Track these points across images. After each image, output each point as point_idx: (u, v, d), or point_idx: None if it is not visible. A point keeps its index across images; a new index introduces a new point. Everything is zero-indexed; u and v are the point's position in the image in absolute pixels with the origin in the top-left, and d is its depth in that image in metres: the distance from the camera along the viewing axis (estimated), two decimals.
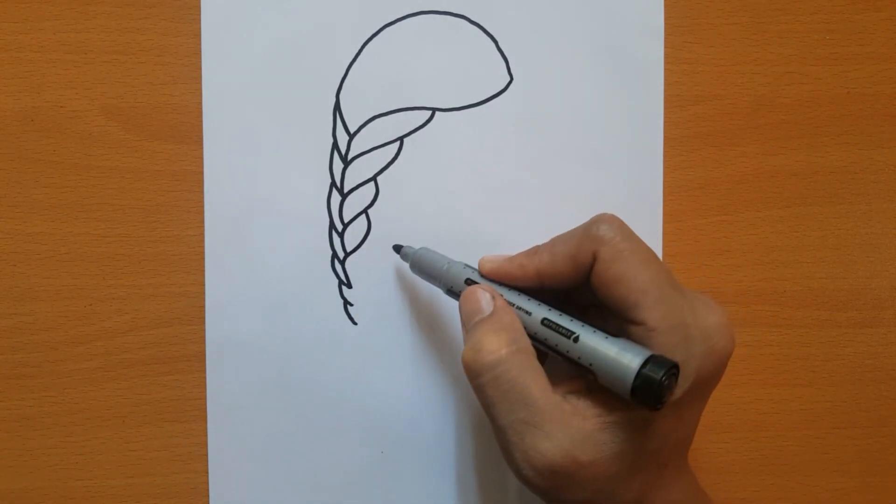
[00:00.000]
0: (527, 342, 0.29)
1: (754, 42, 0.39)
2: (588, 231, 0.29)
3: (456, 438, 0.39)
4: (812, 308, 0.40)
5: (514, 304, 0.31)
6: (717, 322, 0.28)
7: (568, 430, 0.27)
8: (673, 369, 0.26)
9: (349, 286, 0.38)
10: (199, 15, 0.37)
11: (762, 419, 0.40)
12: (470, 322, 0.30)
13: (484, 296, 0.31)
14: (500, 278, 0.32)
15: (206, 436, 0.38)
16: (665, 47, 0.38)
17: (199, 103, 0.37)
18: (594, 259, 0.29)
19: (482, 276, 0.32)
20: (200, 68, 0.37)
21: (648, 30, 0.38)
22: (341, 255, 0.38)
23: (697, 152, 0.39)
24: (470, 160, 0.38)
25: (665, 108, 0.39)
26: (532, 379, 0.28)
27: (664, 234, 0.39)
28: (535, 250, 0.31)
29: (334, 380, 0.38)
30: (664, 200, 0.39)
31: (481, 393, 0.29)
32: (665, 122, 0.39)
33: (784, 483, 0.40)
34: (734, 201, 0.39)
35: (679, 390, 0.27)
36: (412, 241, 0.38)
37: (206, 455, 0.38)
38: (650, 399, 0.26)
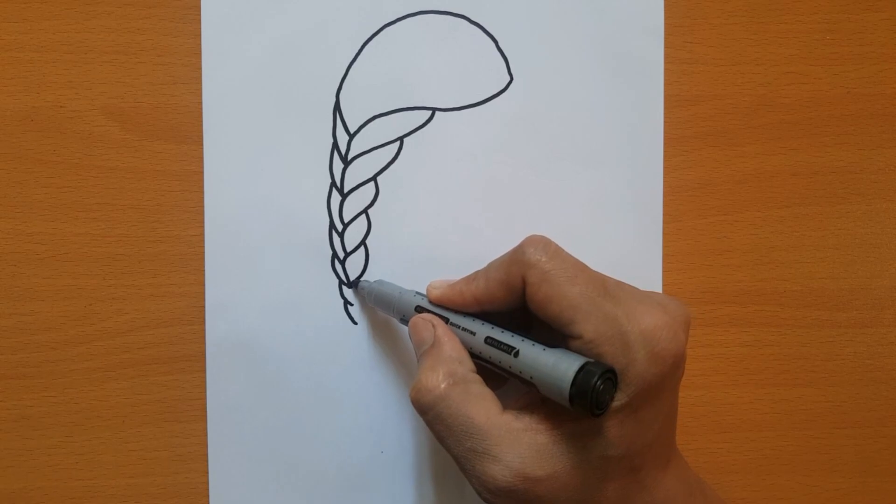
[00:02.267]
0: (465, 371, 0.30)
1: (754, 42, 0.39)
2: (514, 256, 0.30)
3: None
4: (812, 308, 0.40)
5: (459, 326, 0.32)
6: (656, 324, 0.28)
7: (517, 448, 0.28)
8: (608, 374, 0.26)
9: (349, 286, 0.38)
10: (199, 15, 0.37)
11: (762, 419, 0.40)
12: (417, 352, 0.32)
13: (426, 326, 0.32)
14: (445, 304, 0.33)
15: (206, 436, 0.38)
16: (665, 47, 0.38)
17: (199, 103, 0.37)
18: (524, 282, 0.30)
19: (430, 302, 0.33)
20: (200, 68, 0.37)
21: (648, 30, 0.38)
22: (341, 255, 0.38)
23: (697, 152, 0.39)
24: (470, 160, 0.38)
25: (665, 108, 0.39)
26: (474, 408, 0.29)
27: (664, 234, 0.39)
28: (474, 276, 0.32)
29: (334, 380, 0.38)
30: (664, 200, 0.39)
31: (430, 428, 0.30)
32: (665, 122, 0.39)
33: (784, 483, 0.40)
34: (734, 201, 0.39)
35: (624, 395, 0.27)
36: (411, 242, 0.38)
37: (206, 455, 0.38)
38: (588, 405, 0.26)
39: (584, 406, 0.26)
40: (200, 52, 0.37)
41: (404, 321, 0.34)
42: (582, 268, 0.30)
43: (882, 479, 0.40)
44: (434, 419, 0.30)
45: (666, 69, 0.38)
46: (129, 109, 0.37)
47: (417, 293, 0.35)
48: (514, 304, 0.31)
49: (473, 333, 0.31)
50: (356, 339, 0.38)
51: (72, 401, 0.38)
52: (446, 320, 0.32)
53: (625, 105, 0.38)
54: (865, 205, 0.40)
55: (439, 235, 0.38)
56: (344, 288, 0.38)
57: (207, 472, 0.38)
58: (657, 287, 0.39)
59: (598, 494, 0.28)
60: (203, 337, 0.38)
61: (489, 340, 0.30)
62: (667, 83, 0.39)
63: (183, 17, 0.37)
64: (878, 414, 0.40)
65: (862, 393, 0.40)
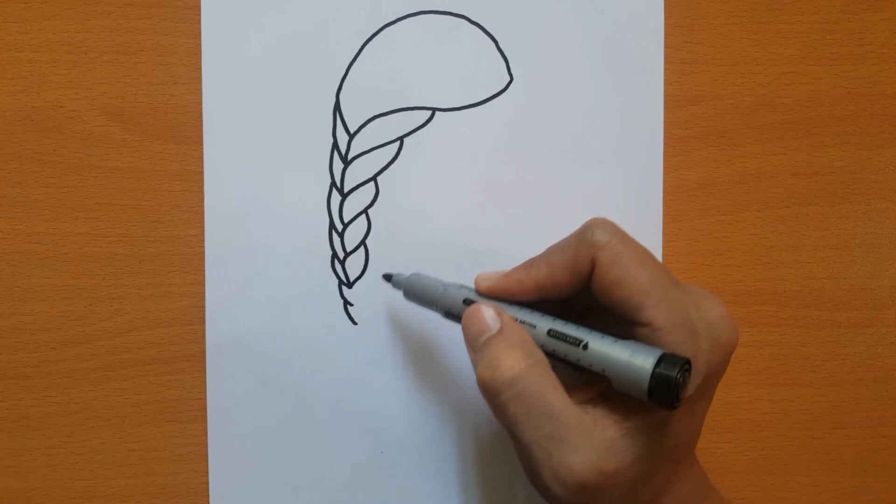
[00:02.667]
0: (541, 355, 0.29)
1: (754, 42, 0.39)
2: (583, 237, 0.29)
3: (456, 438, 0.39)
4: (812, 308, 0.40)
5: (517, 319, 0.30)
6: (721, 314, 0.28)
7: (592, 441, 0.27)
8: (686, 365, 0.26)
9: (349, 286, 0.38)
10: (199, 15, 0.37)
11: (762, 419, 0.40)
12: (478, 341, 0.30)
13: (488, 312, 0.30)
14: (498, 295, 0.31)
15: (206, 436, 0.38)
16: (665, 47, 0.38)
17: (199, 103, 0.37)
18: (593, 265, 0.29)
19: (479, 294, 0.32)
20: (200, 68, 0.37)
21: (648, 30, 0.38)
22: (341, 255, 0.38)
23: (697, 152, 0.39)
24: (470, 160, 0.38)
25: (665, 108, 0.39)
26: (553, 392, 0.27)
27: (664, 234, 0.39)
28: (532, 263, 0.31)
29: (334, 380, 0.38)
30: (664, 200, 0.39)
31: (503, 411, 0.28)
32: (665, 122, 0.39)
33: (784, 483, 0.40)
34: (734, 201, 0.39)
35: (692, 386, 0.27)
36: (411, 242, 0.38)
37: (206, 455, 0.38)
38: (668, 398, 0.25)
39: (664, 399, 0.25)
40: (200, 52, 0.37)
41: (449, 316, 0.33)
42: (649, 253, 0.29)
43: (882, 479, 0.40)
44: (512, 398, 0.27)
45: (666, 69, 0.38)
46: (129, 109, 0.37)
47: (462, 286, 0.33)
48: (575, 291, 0.30)
49: (534, 326, 0.29)
50: (356, 339, 0.38)
51: (72, 401, 0.38)
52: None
53: (625, 105, 0.38)
54: (865, 205, 0.40)
55: (439, 235, 0.38)
56: (344, 288, 0.38)
57: (207, 472, 0.38)
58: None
59: (642, 488, 0.28)
60: (203, 337, 0.38)
61: (553, 333, 0.29)
62: (667, 83, 0.39)
63: (183, 17, 0.37)
64: (878, 414, 0.40)
65: (862, 393, 0.40)
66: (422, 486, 0.39)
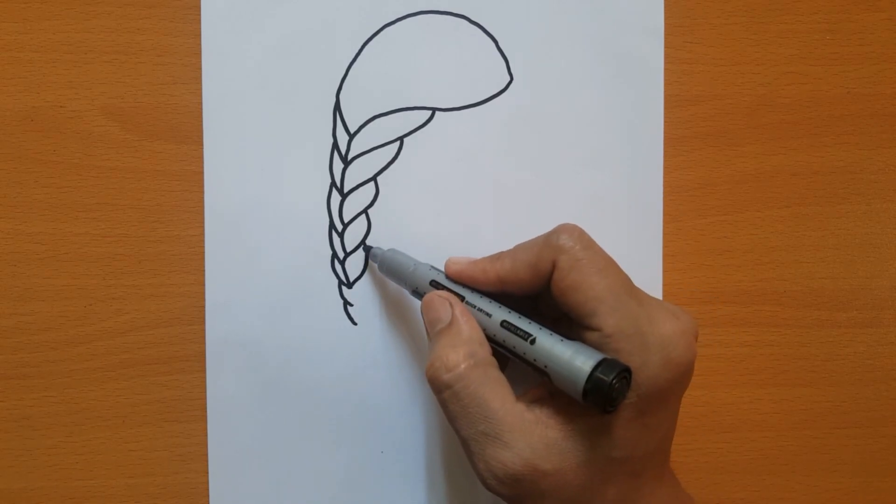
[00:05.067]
0: (485, 353, 0.30)
1: (754, 42, 0.39)
2: (548, 240, 0.30)
3: (455, 438, 0.38)
4: (812, 308, 0.40)
5: (475, 306, 0.31)
6: (674, 330, 0.28)
7: (529, 439, 0.28)
8: (624, 373, 0.26)
9: (349, 286, 0.38)
10: (199, 15, 0.37)
11: (762, 419, 0.40)
12: (432, 330, 0.32)
13: (443, 304, 0.31)
14: (463, 281, 0.33)
15: (206, 436, 0.38)
16: (665, 47, 0.38)
17: (199, 103, 0.37)
18: (553, 267, 0.30)
19: (447, 277, 0.33)
20: (200, 68, 0.37)
21: (648, 30, 0.38)
22: (341, 255, 0.38)
23: (697, 152, 0.39)
24: (470, 160, 0.38)
25: (665, 108, 0.39)
26: (491, 391, 0.29)
27: (664, 234, 0.39)
28: (499, 256, 0.32)
29: (334, 380, 0.38)
30: (664, 200, 0.39)
31: (444, 407, 0.30)
32: (665, 122, 0.39)
33: (784, 483, 0.40)
34: (734, 201, 0.39)
35: (633, 395, 0.27)
36: (411, 242, 0.38)
37: (206, 455, 0.38)
38: (601, 401, 0.26)
39: (598, 402, 0.26)
40: (200, 52, 0.37)
41: (416, 294, 0.34)
42: (612, 262, 0.30)
43: (882, 479, 0.40)
44: (450, 398, 0.29)
45: (666, 69, 0.38)
46: (129, 109, 0.37)
47: (433, 267, 0.34)
48: (536, 289, 0.31)
49: (490, 315, 0.31)
50: (356, 339, 0.38)
51: (72, 401, 0.38)
52: (462, 298, 0.32)
53: (625, 105, 0.38)
54: (865, 205, 0.40)
55: (439, 235, 0.38)
56: (344, 288, 0.38)
57: (207, 472, 0.38)
58: (657, 287, 0.39)
59: (597, 495, 0.28)
60: (203, 337, 0.38)
61: (505, 324, 0.30)
62: (667, 83, 0.39)
63: (183, 17, 0.37)
64: (878, 414, 0.40)
65: (862, 393, 0.40)
66: (422, 486, 0.39)
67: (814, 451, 0.40)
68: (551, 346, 0.28)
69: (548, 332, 0.29)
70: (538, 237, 0.31)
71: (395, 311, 0.38)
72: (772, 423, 0.40)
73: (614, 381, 0.26)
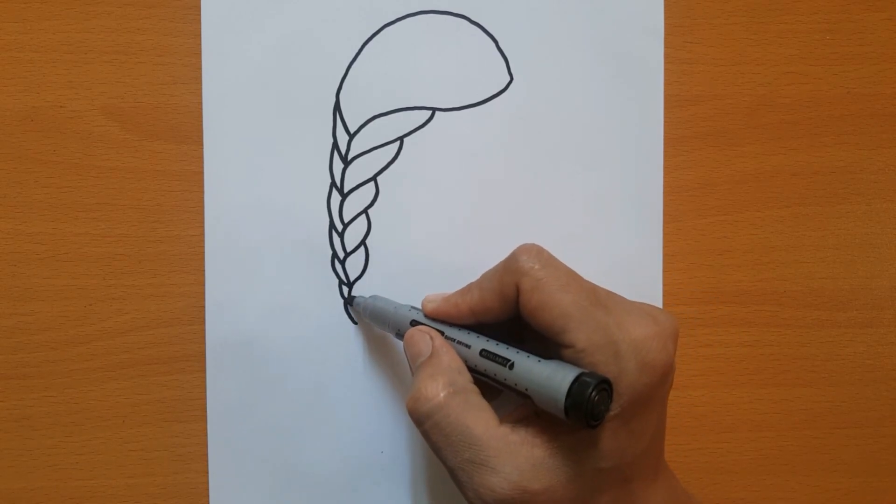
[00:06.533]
0: (465, 381, 0.30)
1: (754, 42, 0.39)
2: (508, 264, 0.30)
3: None
4: (812, 308, 0.40)
5: (454, 339, 0.32)
6: (646, 334, 0.28)
7: (515, 461, 0.28)
8: (602, 385, 0.26)
9: (349, 286, 0.38)
10: (199, 15, 0.37)
11: (762, 419, 0.40)
12: (414, 365, 0.32)
13: (423, 337, 0.32)
14: (440, 317, 0.33)
15: (206, 436, 0.38)
16: (665, 47, 0.38)
17: (199, 103, 0.37)
18: (517, 291, 0.30)
19: (426, 316, 0.33)
20: (200, 68, 0.37)
21: (648, 30, 0.38)
22: (341, 255, 0.38)
23: (697, 152, 0.39)
24: (470, 160, 0.38)
25: (665, 108, 0.39)
26: (473, 418, 0.29)
27: (664, 234, 0.39)
28: (468, 289, 0.32)
29: (334, 380, 0.38)
30: (664, 200, 0.39)
31: (427, 439, 0.30)
32: (665, 122, 0.39)
33: (784, 483, 0.40)
34: (734, 201, 0.39)
35: (616, 405, 0.27)
36: (411, 242, 0.38)
37: (206, 455, 0.38)
38: (583, 417, 0.26)
39: (580, 417, 0.26)
40: (200, 52, 0.37)
41: (399, 336, 0.34)
42: (574, 276, 0.30)
43: (882, 479, 0.40)
44: (432, 428, 0.29)
45: (666, 69, 0.38)
46: (129, 109, 0.37)
47: (412, 307, 0.35)
48: (509, 315, 0.31)
49: (469, 346, 0.31)
50: (356, 339, 0.38)
51: (72, 401, 0.38)
52: (441, 333, 0.32)
53: (625, 105, 0.38)
54: (865, 205, 0.40)
55: (439, 235, 0.38)
56: (344, 288, 0.38)
57: (207, 472, 0.38)
58: (657, 287, 0.39)
59: None
60: (203, 337, 0.38)
61: (484, 353, 0.30)
62: (667, 83, 0.39)
63: (183, 17, 0.37)
64: (878, 414, 0.40)
65: (862, 393, 0.40)
66: (421, 486, 0.39)
67: (814, 451, 0.40)
68: (529, 369, 0.28)
69: (525, 354, 0.29)
70: (499, 263, 0.31)
71: None
72: (772, 423, 0.40)
73: (593, 395, 0.26)
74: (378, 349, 0.38)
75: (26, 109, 0.37)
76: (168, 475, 0.38)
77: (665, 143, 0.39)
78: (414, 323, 0.33)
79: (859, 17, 0.39)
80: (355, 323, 0.38)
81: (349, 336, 0.38)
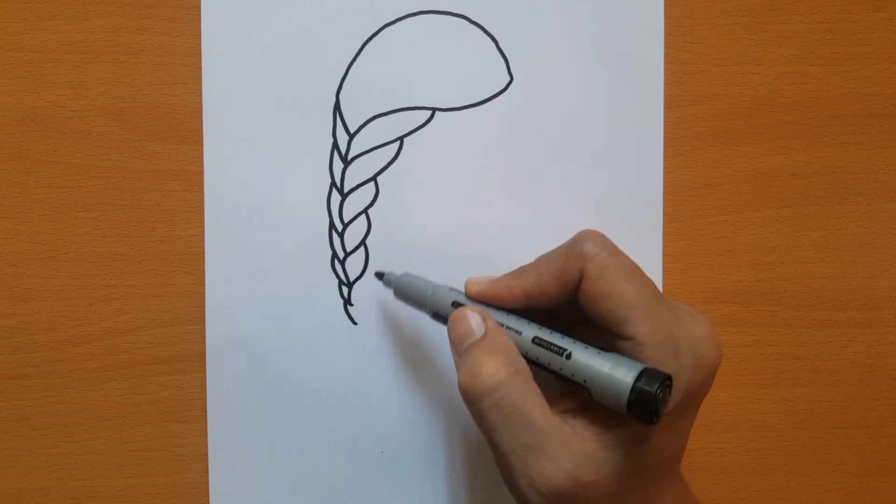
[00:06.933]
0: (523, 363, 0.29)
1: (754, 42, 0.39)
2: (573, 249, 0.29)
3: (456, 438, 0.39)
4: (812, 308, 0.40)
5: (503, 325, 0.30)
6: (704, 333, 0.28)
7: (569, 451, 0.27)
8: (667, 381, 0.26)
9: (349, 286, 0.38)
10: (199, 15, 0.37)
11: (762, 419, 0.40)
12: (461, 345, 0.30)
13: (474, 317, 0.30)
14: (487, 300, 0.32)
15: (206, 436, 0.38)
16: (665, 47, 0.38)
17: (199, 103, 0.37)
18: (581, 276, 0.29)
19: (468, 298, 0.32)
20: (200, 68, 0.37)
21: (648, 30, 0.38)
22: (341, 255, 0.38)
23: (697, 152, 0.39)
24: (470, 160, 0.38)
25: (665, 108, 0.39)
26: (532, 401, 0.28)
27: (664, 234, 0.39)
28: (522, 271, 0.31)
29: (334, 380, 0.38)
30: (664, 200, 0.39)
31: (482, 418, 0.28)
32: (665, 122, 0.39)
33: (784, 483, 0.40)
34: (734, 201, 0.39)
35: (672, 402, 0.27)
36: (412, 242, 0.38)
37: (206, 455, 0.38)
38: (646, 413, 0.25)
39: (643, 414, 0.25)
40: (200, 52, 0.37)
41: (437, 317, 0.33)
42: (638, 268, 0.29)
43: (882, 479, 0.40)
44: (490, 407, 0.28)
45: (666, 69, 0.38)
46: (129, 109, 0.37)
47: (452, 289, 0.33)
48: (562, 301, 0.30)
49: (519, 333, 0.30)
50: (356, 339, 0.38)
51: (72, 401, 0.38)
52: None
53: (625, 105, 0.38)
54: (865, 205, 0.40)
55: (439, 235, 0.38)
56: (344, 288, 0.38)
57: (207, 472, 0.38)
58: (657, 287, 0.39)
59: (625, 501, 0.28)
60: (203, 337, 0.38)
61: (538, 341, 0.29)
62: (667, 83, 0.39)
63: (183, 17, 0.37)
64: (878, 414, 0.40)
65: (862, 393, 0.40)
66: (421, 486, 0.39)
67: (814, 451, 0.40)
68: (589, 360, 0.27)
69: (582, 345, 0.28)
70: (561, 247, 0.30)
71: (394, 312, 0.38)
72: (772, 423, 0.40)
73: (658, 392, 0.25)
74: (378, 349, 0.38)
75: (26, 109, 0.37)
76: (168, 475, 0.38)
77: (665, 143, 0.39)
78: (456, 304, 0.32)
79: (859, 17, 0.39)
80: (355, 323, 0.38)
81: (349, 336, 0.38)
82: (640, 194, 0.39)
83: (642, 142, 0.38)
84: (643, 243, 0.39)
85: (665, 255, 0.39)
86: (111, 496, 0.38)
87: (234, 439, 0.38)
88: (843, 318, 0.40)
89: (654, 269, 0.39)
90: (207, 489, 0.38)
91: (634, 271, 0.29)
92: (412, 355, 0.38)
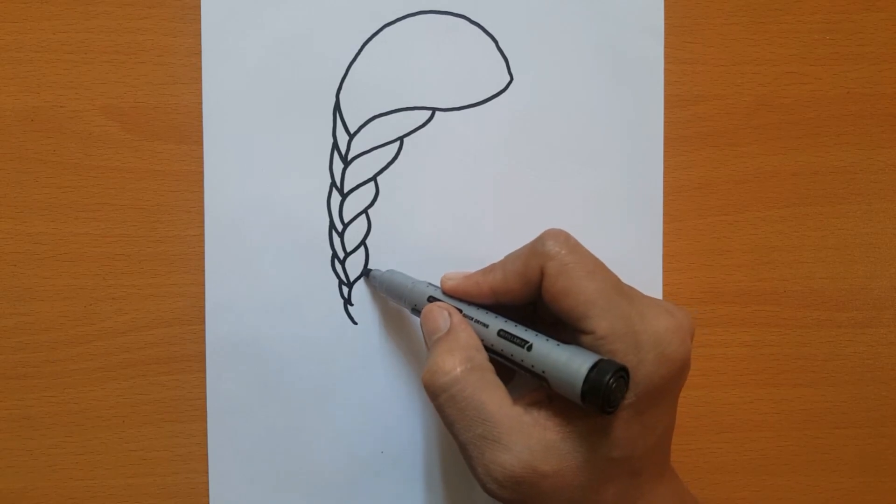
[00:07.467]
0: (482, 359, 0.30)
1: (754, 42, 0.39)
2: (535, 247, 0.30)
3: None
4: (812, 308, 0.40)
5: (472, 318, 0.32)
6: (667, 327, 0.28)
7: (527, 441, 0.28)
8: (620, 372, 0.26)
9: (349, 286, 0.38)
10: (199, 15, 0.37)
11: (762, 419, 0.40)
12: (430, 340, 0.32)
13: (441, 313, 0.32)
14: (459, 295, 0.33)
15: (206, 436, 0.38)
16: (665, 47, 0.38)
17: (199, 103, 0.37)
18: (542, 274, 0.30)
19: (444, 293, 0.34)
20: (200, 68, 0.37)
21: (648, 30, 0.38)
22: (341, 255, 0.38)
23: (697, 152, 0.39)
24: (470, 160, 0.38)
25: (665, 108, 0.39)
26: (488, 395, 0.29)
27: (664, 234, 0.39)
28: (491, 268, 0.32)
29: (334, 380, 0.38)
30: (664, 200, 0.39)
31: (441, 412, 0.30)
32: (665, 122, 0.39)
33: (784, 483, 0.40)
34: (734, 201, 0.39)
35: (631, 395, 0.27)
36: (412, 242, 0.38)
37: (206, 455, 0.38)
38: (599, 402, 0.26)
39: (596, 403, 0.26)
40: (200, 52, 0.37)
41: (415, 311, 0.34)
42: (599, 264, 0.30)
43: (882, 479, 0.40)
44: (447, 402, 0.29)
45: (666, 69, 0.38)
46: (129, 109, 0.37)
47: (430, 284, 0.35)
48: (530, 297, 0.31)
49: (486, 325, 0.31)
50: (356, 339, 0.38)
51: (72, 401, 0.38)
52: (459, 311, 0.32)
53: (625, 105, 0.38)
54: (865, 205, 0.40)
55: (439, 235, 0.38)
56: (344, 288, 0.38)
57: (207, 472, 0.38)
58: (657, 287, 0.39)
59: (597, 496, 0.28)
60: (203, 337, 0.38)
61: (502, 333, 0.30)
62: (667, 83, 0.39)
63: (183, 17, 0.37)
64: (878, 414, 0.40)
65: (862, 393, 0.40)
66: (422, 486, 0.39)
67: (814, 451, 0.40)
68: (548, 352, 0.28)
69: (544, 338, 0.29)
70: (525, 245, 0.31)
71: (395, 312, 0.38)
72: (772, 423, 0.40)
73: (611, 381, 0.26)
74: (378, 349, 0.38)
75: (26, 109, 0.37)
76: (168, 475, 0.38)
77: (665, 143, 0.39)
78: (431, 299, 0.34)
79: (859, 17, 0.39)
80: (355, 323, 0.38)
81: (349, 336, 0.38)
82: (640, 194, 0.39)
83: (642, 141, 0.38)
84: (643, 243, 0.39)
85: (665, 255, 0.39)
86: (111, 496, 0.38)
87: (234, 439, 0.38)
88: (843, 318, 0.40)
89: (654, 269, 0.39)
90: (207, 489, 0.38)
91: (595, 268, 0.29)
92: (412, 355, 0.38)
